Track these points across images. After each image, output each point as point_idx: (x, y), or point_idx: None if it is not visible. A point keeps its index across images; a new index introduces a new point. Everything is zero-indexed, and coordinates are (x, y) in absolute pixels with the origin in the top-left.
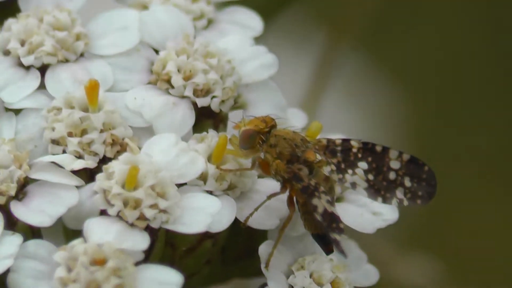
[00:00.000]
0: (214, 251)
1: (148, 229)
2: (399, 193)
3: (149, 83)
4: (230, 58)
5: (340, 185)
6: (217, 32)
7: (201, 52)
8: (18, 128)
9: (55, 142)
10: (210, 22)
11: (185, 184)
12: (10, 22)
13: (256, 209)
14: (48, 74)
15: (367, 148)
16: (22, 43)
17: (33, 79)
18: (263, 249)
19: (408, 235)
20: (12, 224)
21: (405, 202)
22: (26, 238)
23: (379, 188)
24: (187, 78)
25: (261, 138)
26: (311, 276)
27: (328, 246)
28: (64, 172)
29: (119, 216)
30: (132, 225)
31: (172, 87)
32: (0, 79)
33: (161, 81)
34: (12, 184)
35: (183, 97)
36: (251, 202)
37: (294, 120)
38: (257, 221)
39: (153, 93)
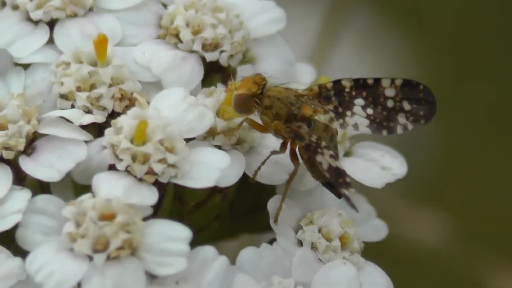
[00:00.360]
0: (223, 206)
1: (157, 184)
2: (401, 119)
3: (158, 37)
4: (238, 13)
5: (342, 129)
6: None
7: (209, 7)
8: (27, 83)
9: (63, 96)
10: None
11: (194, 138)
12: None
13: (262, 164)
14: (56, 29)
15: (359, 85)
16: None
17: (42, 34)
18: (272, 204)
19: (419, 191)
20: (21, 179)
21: (410, 126)
22: (34, 193)
23: (381, 120)
24: (195, 33)
25: (255, 101)
26: (319, 231)
27: (335, 190)
28: (72, 127)
29: (127, 171)
30: (140, 180)
31: (181, 41)
32: (9, 34)
33: (169, 35)
34: (21, 139)
35: (191, 51)
36: (259, 156)
37: (302, 75)
38: (266, 176)
39: (162, 47)
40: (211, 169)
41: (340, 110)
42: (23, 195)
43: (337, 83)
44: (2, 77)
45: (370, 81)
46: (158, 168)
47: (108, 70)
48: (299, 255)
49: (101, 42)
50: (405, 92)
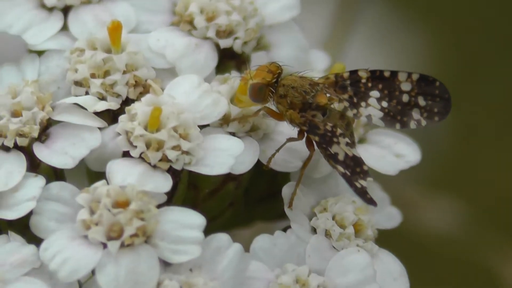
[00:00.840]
0: (237, 194)
1: (171, 171)
2: (416, 114)
3: (172, 24)
4: (252, 0)
5: (355, 119)
6: None
7: None
8: (41, 70)
9: (78, 83)
10: None
11: (208, 125)
12: None
13: (277, 151)
14: (71, 16)
15: (375, 76)
16: None
17: (56, 20)
18: (286, 190)
19: (432, 178)
20: (35, 166)
21: (423, 122)
22: (48, 180)
23: (395, 113)
24: (209, 19)
25: (270, 90)
26: (333, 218)
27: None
28: (87, 113)
29: (141, 158)
30: (154, 167)
31: (195, 28)
32: (23, 21)
33: (183, 22)
34: (35, 126)
35: (205, 38)
36: (274, 143)
37: (316, 62)
38: (280, 163)
39: (176, 34)
40: (225, 156)
41: (355, 100)
42: (37, 182)
43: (353, 73)
44: (17, 63)
45: (386, 74)
46: (172, 155)
47: (122, 57)
48: (313, 242)
49: (115, 29)
50: (421, 87)
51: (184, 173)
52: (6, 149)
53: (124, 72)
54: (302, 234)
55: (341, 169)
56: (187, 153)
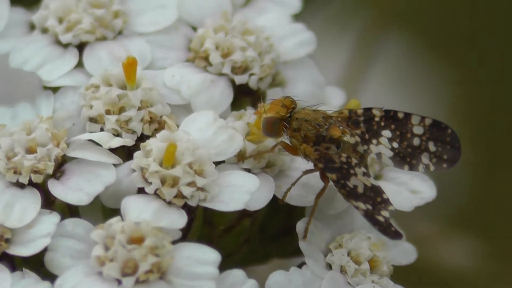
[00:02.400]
0: (252, 230)
1: (186, 207)
2: (425, 159)
3: (187, 60)
4: (268, 36)
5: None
6: (255, 10)
7: (239, 30)
8: (56, 106)
9: (93, 120)
10: (248, 0)
11: (223, 161)
12: (48, 0)
13: (292, 185)
14: (86, 52)
15: (389, 116)
16: (60, 21)
17: (71, 57)
18: (301, 225)
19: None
20: (50, 202)
21: (431, 168)
22: (63, 217)
23: (405, 155)
24: (225, 56)
25: (284, 124)
26: (349, 254)
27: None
28: (101, 150)
29: (156, 194)
30: (169, 203)
31: (210, 64)
32: (38, 57)
33: (199, 58)
34: (50, 162)
35: (221, 74)
36: (289, 179)
37: (332, 98)
38: (295, 198)
39: (191, 70)
40: (240, 192)
41: (367, 137)
42: (51, 218)
43: (367, 110)
44: (32, 100)
45: (400, 115)
46: (187, 191)
47: (137, 93)
48: (328, 278)
49: (130, 65)
50: (433, 133)
51: (199, 209)
52: (21, 185)
53: (139, 109)
54: (317, 270)
55: (362, 206)
56: (202, 189)
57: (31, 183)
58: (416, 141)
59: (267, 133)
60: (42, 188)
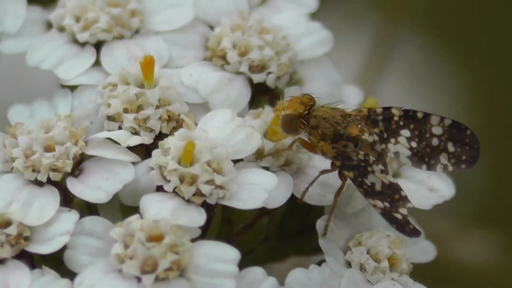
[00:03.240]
0: (271, 228)
1: (205, 205)
2: (443, 159)
3: (205, 59)
4: (285, 34)
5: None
6: (272, 9)
7: (256, 28)
8: (74, 105)
9: (111, 118)
10: None
11: (242, 160)
12: None
13: (310, 184)
14: (103, 51)
15: (408, 116)
16: (77, 20)
17: (89, 55)
18: (321, 223)
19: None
20: (69, 201)
21: (450, 168)
22: (82, 215)
23: (423, 155)
24: (242, 54)
25: (302, 121)
26: (368, 252)
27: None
28: (120, 148)
29: (175, 192)
30: (188, 201)
31: (228, 63)
32: (55, 56)
33: (216, 57)
34: (68, 160)
35: (238, 73)
36: (307, 178)
37: (350, 97)
38: (314, 197)
39: (209, 69)
40: (258, 190)
41: (385, 135)
42: (70, 216)
43: (387, 109)
44: (49, 98)
45: (419, 115)
46: (205, 189)
47: (155, 92)
48: (347, 276)
49: (148, 64)
50: (452, 134)
51: (218, 207)
52: (40, 183)
53: (157, 107)
54: (336, 267)
55: (380, 204)
56: (220, 187)
57: (49, 181)
58: (435, 142)
59: (285, 130)
60: (60, 186)
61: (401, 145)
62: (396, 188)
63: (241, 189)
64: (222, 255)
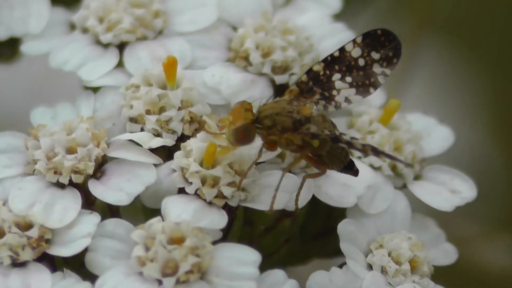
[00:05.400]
0: (292, 230)
1: (226, 207)
2: (377, 69)
3: (227, 60)
4: (308, 35)
5: (336, 110)
6: (295, 10)
7: (279, 29)
8: (96, 106)
9: (133, 120)
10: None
11: (263, 162)
12: (88, 0)
13: (276, 190)
14: (126, 52)
15: (328, 62)
16: (101, 21)
17: (112, 56)
18: (342, 227)
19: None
20: (90, 203)
21: (388, 72)
22: (104, 217)
23: (362, 81)
24: (265, 55)
25: (256, 126)
26: (389, 254)
27: (353, 170)
28: (142, 150)
29: (197, 194)
30: (210, 203)
31: (251, 64)
32: (78, 57)
33: (239, 58)
34: (90, 162)
35: (261, 74)
36: (329, 179)
37: (373, 99)
38: (335, 199)
39: (231, 70)
40: (280, 192)
41: (327, 94)
42: (92, 219)
43: (310, 72)
44: (72, 100)
45: (336, 54)
46: (227, 191)
47: (177, 93)
48: (369, 279)
49: (170, 65)
50: (368, 44)
51: (240, 209)
52: (61, 186)
53: (180, 108)
54: (358, 270)
55: (358, 146)
56: (242, 189)
57: (71, 183)
58: (361, 62)
59: (242, 141)
60: (82, 188)
61: (343, 90)
62: (375, 148)
63: (263, 192)
64: (243, 257)
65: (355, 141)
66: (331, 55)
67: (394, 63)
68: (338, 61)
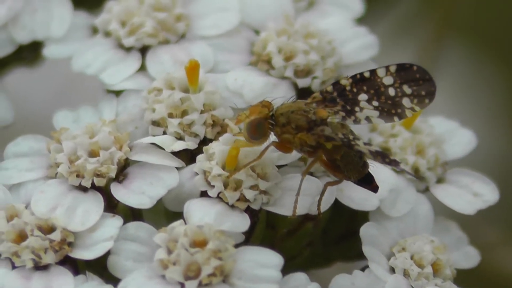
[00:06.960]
0: (315, 233)
1: (249, 210)
2: (407, 103)
3: (250, 64)
4: (330, 39)
5: (357, 125)
6: (317, 13)
7: (301, 33)
8: (119, 110)
9: (155, 123)
10: (311, 3)
11: (286, 165)
12: (111, 3)
13: (297, 195)
14: (149, 55)
15: (357, 80)
16: (123, 25)
17: (134, 60)
18: (365, 230)
19: None
20: (113, 206)
21: (416, 108)
22: (126, 220)
23: (388, 108)
24: (287, 59)
25: (269, 123)
26: (412, 257)
27: (372, 185)
28: (164, 153)
29: (219, 198)
30: (232, 206)
31: (273, 68)
32: (101, 61)
33: (261, 62)
34: (113, 165)
35: (283, 77)
36: (351, 183)
37: None
38: (357, 202)
39: (254, 73)
40: (302, 195)
41: (348, 108)
42: (114, 222)
43: (336, 84)
44: (94, 103)
45: (366, 74)
46: (250, 194)
47: (200, 97)
48: (391, 282)
49: (193, 68)
50: (401, 77)
51: (262, 213)
52: (84, 189)
53: (202, 112)
54: (380, 273)
55: (369, 156)
56: (265, 192)
57: (93, 187)
58: (391, 91)
59: (253, 136)
60: (104, 192)
61: (367, 109)
62: (384, 154)
63: (285, 195)
64: (265, 260)
65: (366, 146)
66: (361, 74)
67: (426, 103)
68: (367, 82)
